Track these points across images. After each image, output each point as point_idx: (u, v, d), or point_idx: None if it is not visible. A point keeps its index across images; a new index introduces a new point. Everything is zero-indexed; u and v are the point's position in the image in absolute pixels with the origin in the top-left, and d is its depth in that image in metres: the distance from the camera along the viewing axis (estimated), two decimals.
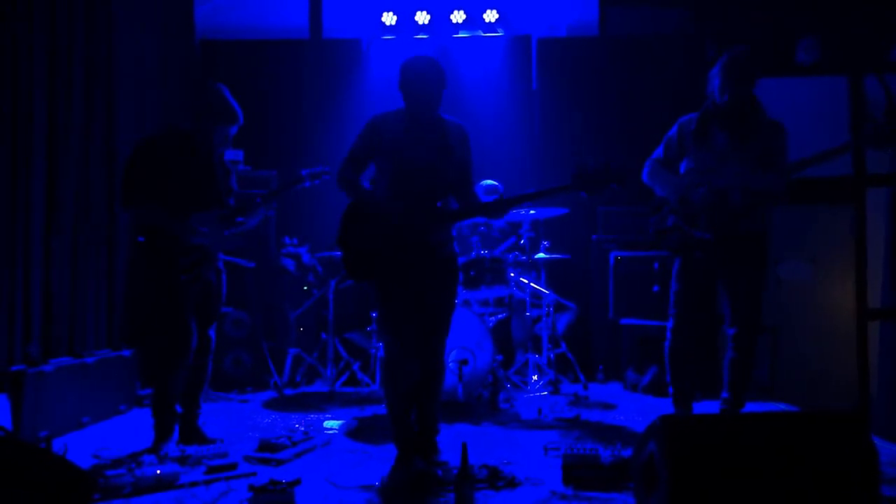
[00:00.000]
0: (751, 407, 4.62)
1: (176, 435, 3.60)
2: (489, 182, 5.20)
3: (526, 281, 5.20)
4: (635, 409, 4.70)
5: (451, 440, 3.62)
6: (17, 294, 4.05)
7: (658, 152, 3.73)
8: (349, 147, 3.28)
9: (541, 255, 5.18)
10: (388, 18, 6.68)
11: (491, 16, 6.65)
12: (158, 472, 2.97)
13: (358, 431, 4.08)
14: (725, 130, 3.53)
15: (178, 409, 3.62)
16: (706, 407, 4.17)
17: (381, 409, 4.43)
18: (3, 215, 3.95)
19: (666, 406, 3.97)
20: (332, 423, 4.19)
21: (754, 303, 3.59)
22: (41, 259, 4.22)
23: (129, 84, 5.20)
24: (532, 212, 4.99)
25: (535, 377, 5.11)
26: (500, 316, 5.11)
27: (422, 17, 6.67)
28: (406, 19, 6.70)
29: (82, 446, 3.63)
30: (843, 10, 6.20)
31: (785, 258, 6.43)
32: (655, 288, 5.24)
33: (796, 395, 5.20)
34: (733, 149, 3.50)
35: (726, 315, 3.64)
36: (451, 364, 4.32)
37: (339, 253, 3.35)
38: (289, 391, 5.35)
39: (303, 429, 3.87)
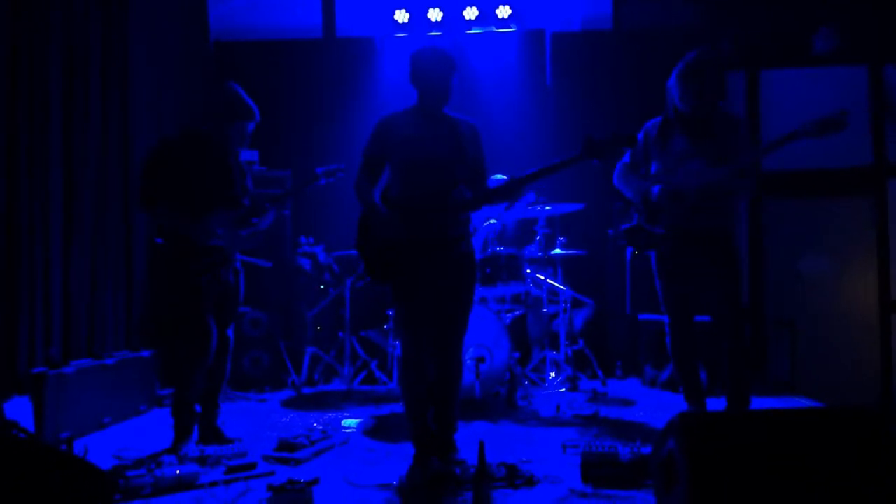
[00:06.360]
0: (772, 402, 4.58)
1: (195, 435, 3.63)
2: (500, 177, 5.19)
3: (542, 277, 5.18)
4: (654, 405, 4.67)
5: (469, 438, 3.62)
6: (38, 297, 4.08)
7: (626, 157, 3.78)
8: (362, 151, 3.28)
9: (557, 251, 5.16)
10: (401, 16, 6.68)
11: (504, 11, 6.63)
12: (178, 472, 2.99)
13: (376, 430, 4.09)
14: (685, 135, 3.58)
15: (198, 409, 3.65)
16: (716, 404, 4.13)
17: (399, 408, 4.44)
18: (22, 218, 3.99)
19: (685, 402, 3.95)
20: (349, 422, 4.20)
21: (729, 299, 3.56)
22: (60, 261, 4.27)
23: (145, 86, 5.24)
24: (548, 208, 4.97)
25: (552, 374, 5.10)
26: (516, 313, 5.10)
27: (434, 14, 6.68)
28: (419, 17, 6.70)
29: (103, 447, 3.66)
30: None
31: (804, 252, 6.35)
32: None
33: (817, 390, 5.15)
34: (692, 150, 3.53)
35: (710, 313, 3.64)
36: (468, 362, 4.32)
37: (354, 252, 3.35)
38: (307, 390, 5.37)
39: (321, 428, 3.88)
